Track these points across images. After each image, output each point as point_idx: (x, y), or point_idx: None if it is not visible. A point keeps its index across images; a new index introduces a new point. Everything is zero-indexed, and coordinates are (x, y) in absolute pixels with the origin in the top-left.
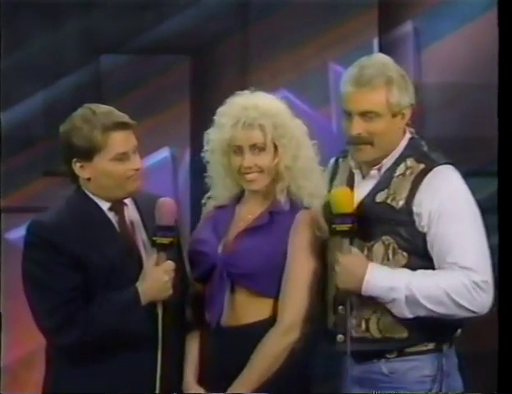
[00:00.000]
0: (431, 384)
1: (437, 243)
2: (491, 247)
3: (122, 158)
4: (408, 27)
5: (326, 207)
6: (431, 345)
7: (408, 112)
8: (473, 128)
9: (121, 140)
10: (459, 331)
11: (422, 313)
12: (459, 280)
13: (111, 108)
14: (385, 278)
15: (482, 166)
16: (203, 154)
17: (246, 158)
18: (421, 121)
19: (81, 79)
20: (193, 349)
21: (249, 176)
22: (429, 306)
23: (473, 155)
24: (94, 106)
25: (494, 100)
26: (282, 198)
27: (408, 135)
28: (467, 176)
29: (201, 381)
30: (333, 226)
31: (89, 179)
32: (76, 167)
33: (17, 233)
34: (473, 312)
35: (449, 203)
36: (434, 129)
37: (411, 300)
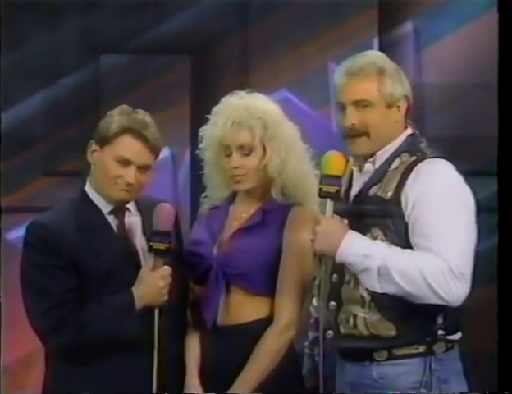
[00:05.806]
0: (421, 390)
1: (415, 227)
2: (490, 247)
3: (123, 163)
4: (408, 27)
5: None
6: (421, 349)
7: (403, 105)
8: (473, 128)
9: (127, 145)
10: (459, 334)
11: (392, 289)
12: (436, 263)
13: (146, 120)
14: (361, 246)
15: (482, 166)
16: (197, 152)
17: (233, 158)
18: (421, 121)
19: (81, 79)
20: (194, 351)
21: (236, 178)
22: (401, 282)
23: (473, 155)
24: (141, 111)
25: (494, 100)
26: (278, 197)
27: (408, 131)
28: (467, 176)
29: (201, 381)
30: (320, 186)
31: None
32: (91, 149)
33: (17, 233)
34: (445, 300)
35: (432, 190)
36: (434, 129)
37: (384, 272)
